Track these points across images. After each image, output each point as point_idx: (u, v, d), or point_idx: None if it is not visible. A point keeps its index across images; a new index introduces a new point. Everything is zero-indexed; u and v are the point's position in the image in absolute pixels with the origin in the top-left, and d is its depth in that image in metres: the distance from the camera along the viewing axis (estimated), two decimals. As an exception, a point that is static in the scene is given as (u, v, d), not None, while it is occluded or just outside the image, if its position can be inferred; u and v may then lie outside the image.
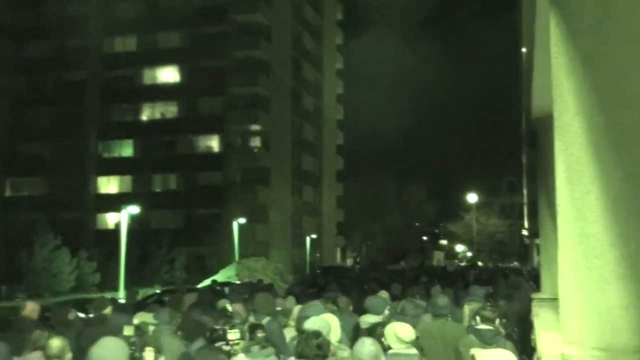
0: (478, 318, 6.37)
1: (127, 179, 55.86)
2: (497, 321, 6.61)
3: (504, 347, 5.55)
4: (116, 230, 32.76)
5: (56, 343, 5.81)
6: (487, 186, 66.80)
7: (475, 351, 5.21)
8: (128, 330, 6.33)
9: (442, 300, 7.21)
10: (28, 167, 54.93)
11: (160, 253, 40.09)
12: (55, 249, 35.55)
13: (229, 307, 8.41)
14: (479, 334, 5.93)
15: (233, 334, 5.85)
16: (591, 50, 3.70)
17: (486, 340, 5.75)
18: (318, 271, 40.06)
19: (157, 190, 54.72)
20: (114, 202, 45.84)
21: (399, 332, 5.40)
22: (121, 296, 23.98)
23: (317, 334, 4.94)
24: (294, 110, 59.98)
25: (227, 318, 7.18)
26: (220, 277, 30.78)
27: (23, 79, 55.85)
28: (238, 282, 26.77)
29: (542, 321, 5.37)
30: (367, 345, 5.06)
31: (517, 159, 59.61)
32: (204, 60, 54.05)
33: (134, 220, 30.94)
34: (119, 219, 31.74)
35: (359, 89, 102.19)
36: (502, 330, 6.54)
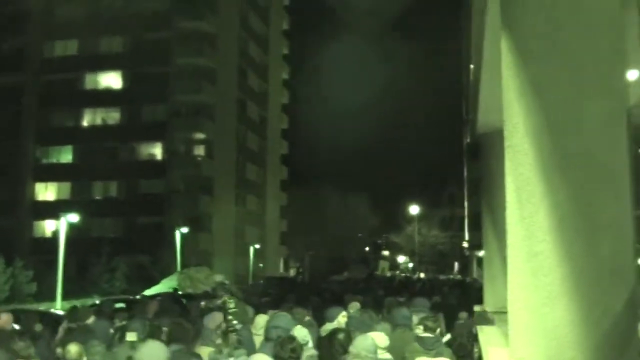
0: (422, 327, 6.85)
1: (66, 185, 54.47)
2: (438, 330, 7.11)
3: (443, 353, 6.03)
4: (54, 238, 31.87)
5: (74, 348, 6.03)
6: (428, 198, 67.85)
7: (420, 359, 5.66)
8: (131, 337, 6.66)
9: (404, 312, 7.86)
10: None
11: (100, 262, 39.15)
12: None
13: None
14: (422, 341, 6.41)
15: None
16: (540, 76, 3.84)
17: (428, 347, 6.19)
18: (261, 281, 39.80)
19: (98, 197, 53.56)
20: (52, 209, 44.61)
21: (378, 340, 5.72)
22: (58, 307, 23.34)
23: (291, 339, 5.54)
24: (238, 119, 59.68)
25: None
26: (162, 287, 30.27)
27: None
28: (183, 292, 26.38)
29: (487, 335, 5.50)
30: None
31: (458, 171, 60.82)
32: (147, 67, 53.22)
33: (73, 228, 30.14)
34: (57, 227, 30.90)
35: (304, 100, 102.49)
36: (443, 340, 7.07)
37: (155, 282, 35.55)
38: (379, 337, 5.99)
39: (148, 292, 29.53)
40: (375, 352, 5.32)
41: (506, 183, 3.95)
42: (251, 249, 54.18)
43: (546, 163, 3.71)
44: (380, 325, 7.71)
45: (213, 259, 49.62)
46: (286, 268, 72.80)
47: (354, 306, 9.05)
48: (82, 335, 7.22)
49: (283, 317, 6.86)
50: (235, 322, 7.70)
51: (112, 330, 8.46)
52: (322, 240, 70.86)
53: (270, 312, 8.17)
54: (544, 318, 3.55)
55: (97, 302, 19.98)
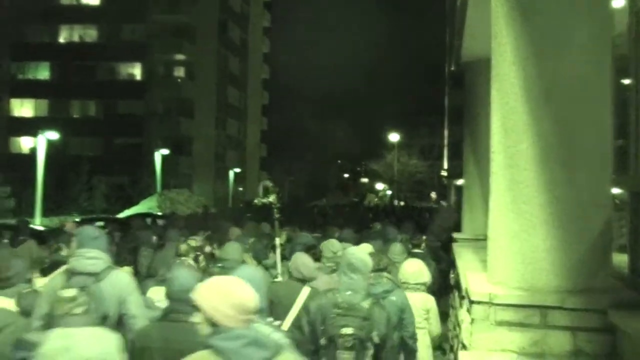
0: (410, 245, 8.70)
1: (44, 102, 53.59)
2: (423, 245, 9.20)
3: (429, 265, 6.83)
4: (31, 155, 31.51)
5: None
6: (408, 126, 67.88)
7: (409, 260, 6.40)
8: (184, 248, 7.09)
9: (393, 230, 9.88)
10: None
11: (79, 181, 38.98)
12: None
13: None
14: (412, 255, 7.70)
15: None
16: (529, 2, 3.81)
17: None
18: (241, 205, 40.04)
19: (76, 116, 52.85)
20: (29, 126, 44.06)
21: (364, 249, 6.09)
22: (37, 223, 23.36)
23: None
24: (220, 40, 58.59)
25: None
26: (141, 207, 30.42)
27: None
28: (160, 213, 26.53)
29: (465, 262, 5.64)
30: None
31: (438, 100, 60.72)
32: (126, -17, 51.66)
33: (51, 145, 29.84)
34: (35, 144, 30.56)
35: (287, 25, 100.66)
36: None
37: (134, 202, 35.67)
38: (365, 247, 6.69)
39: (127, 212, 29.71)
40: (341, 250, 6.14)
41: (491, 112, 3.98)
42: (231, 173, 54.27)
43: (532, 92, 3.73)
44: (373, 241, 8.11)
45: (193, 182, 49.68)
46: (265, 193, 73.17)
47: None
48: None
49: (304, 236, 7.94)
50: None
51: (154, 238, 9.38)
52: (301, 166, 71.13)
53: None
54: (523, 244, 3.65)
55: (77, 219, 20.05)
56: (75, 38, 54.61)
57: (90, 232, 4.41)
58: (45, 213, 28.03)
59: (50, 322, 3.45)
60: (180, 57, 54.95)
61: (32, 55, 53.38)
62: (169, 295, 3.84)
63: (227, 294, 2.62)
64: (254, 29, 68.84)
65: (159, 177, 38.83)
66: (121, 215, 28.03)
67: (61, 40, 54.88)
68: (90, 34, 54.44)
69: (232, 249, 6.54)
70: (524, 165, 3.72)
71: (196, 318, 2.64)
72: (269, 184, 71.30)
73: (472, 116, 9.41)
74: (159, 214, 26.17)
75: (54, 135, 28.38)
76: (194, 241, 7.61)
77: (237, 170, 56.52)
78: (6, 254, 5.62)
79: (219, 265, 6.41)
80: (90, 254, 4.26)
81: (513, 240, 3.73)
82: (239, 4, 64.41)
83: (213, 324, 2.58)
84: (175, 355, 3.03)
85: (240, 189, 58.91)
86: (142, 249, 7.87)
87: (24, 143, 51.84)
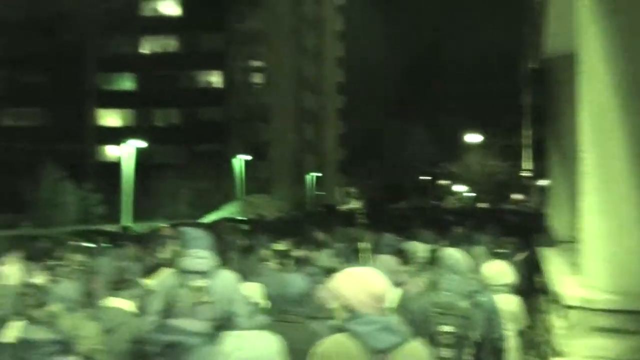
0: (493, 247, 8.38)
1: (128, 112, 55.59)
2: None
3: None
4: (117, 163, 32.66)
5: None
6: (486, 127, 66.48)
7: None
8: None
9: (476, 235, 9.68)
10: (27, 97, 54.40)
11: (163, 187, 40.20)
12: (59, 180, 35.66)
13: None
14: (497, 256, 7.21)
15: None
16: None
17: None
18: (321, 209, 40.14)
19: (159, 124, 54.50)
20: (115, 135, 45.63)
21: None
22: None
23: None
24: (294, 47, 59.19)
25: None
26: (223, 213, 31.07)
27: (21, 10, 54.79)
28: (242, 218, 27.01)
29: (554, 265, 5.47)
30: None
31: (515, 99, 59.22)
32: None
33: (137, 153, 30.90)
34: (121, 152, 31.66)
35: (362, 27, 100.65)
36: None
37: (216, 208, 36.51)
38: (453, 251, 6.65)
39: (210, 217, 30.43)
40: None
41: (578, 110, 3.86)
42: (308, 177, 54.65)
43: (622, 88, 3.60)
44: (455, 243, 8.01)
45: (271, 187, 50.31)
46: (347, 198, 73.08)
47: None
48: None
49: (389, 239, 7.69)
50: None
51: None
52: (379, 169, 70.82)
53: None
54: (616, 247, 3.52)
55: (165, 225, 20.61)
56: (157, 48, 56.35)
57: (194, 233, 4.58)
58: (134, 219, 29.02)
59: (166, 316, 3.71)
60: (257, 63, 55.83)
61: (117, 66, 55.43)
62: (282, 298, 3.93)
63: (364, 283, 2.87)
64: (327, 33, 69.15)
65: (240, 183, 39.50)
66: (204, 220, 28.69)
67: (144, 51, 56.73)
68: (171, 44, 56.06)
69: (319, 253, 6.62)
70: (616, 163, 3.59)
71: (332, 305, 2.90)
72: (351, 189, 71.54)
73: (555, 114, 9.13)
74: (242, 218, 26.65)
75: (141, 143, 29.34)
76: (280, 245, 7.71)
77: (319, 174, 56.91)
78: (116, 258, 5.88)
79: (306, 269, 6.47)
80: (199, 253, 4.41)
81: (606, 242, 3.60)
82: (313, 9, 64.88)
83: (350, 311, 2.83)
84: (300, 356, 3.15)
85: (319, 193, 59.20)
86: (229, 252, 8.03)
87: (111, 151, 53.85)
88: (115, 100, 55.50)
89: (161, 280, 4.74)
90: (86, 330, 3.71)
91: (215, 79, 55.42)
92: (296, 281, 3.96)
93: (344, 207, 39.08)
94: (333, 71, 71.06)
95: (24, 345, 2.69)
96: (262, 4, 54.13)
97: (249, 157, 43.42)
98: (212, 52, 53.52)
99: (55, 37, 54.36)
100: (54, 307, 3.63)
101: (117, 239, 12.27)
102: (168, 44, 56.21)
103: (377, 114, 72.46)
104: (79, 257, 6.62)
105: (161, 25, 55.71)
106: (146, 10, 56.65)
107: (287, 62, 57.03)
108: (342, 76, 74.64)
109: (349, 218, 16.79)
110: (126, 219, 28.00)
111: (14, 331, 3.26)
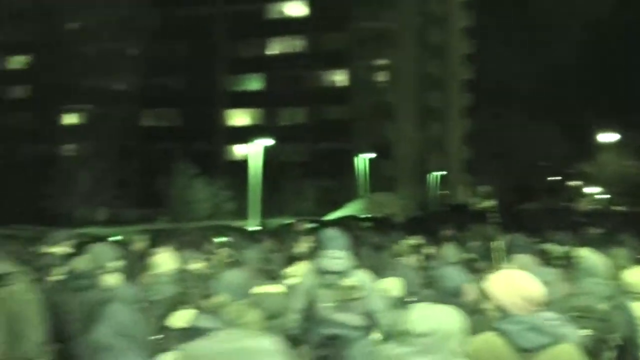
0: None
1: (256, 112, 57.39)
2: None
3: None
4: (245, 161, 33.78)
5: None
6: (620, 125, 62.86)
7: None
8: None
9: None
10: (164, 99, 57.30)
11: (289, 185, 41.20)
12: (192, 177, 37.38)
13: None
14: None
15: None
16: None
17: None
18: (447, 209, 39.61)
19: (285, 123, 55.82)
20: (243, 134, 47.28)
21: None
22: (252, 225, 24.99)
23: None
24: (419, 44, 58.71)
25: None
26: (347, 210, 31.39)
27: (158, 16, 57.65)
28: (367, 216, 27.16)
29: None
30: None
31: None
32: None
33: (264, 152, 31.83)
34: (249, 151, 32.68)
35: (490, 23, 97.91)
36: None
37: (340, 205, 36.94)
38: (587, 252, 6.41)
39: (335, 215, 30.84)
40: None
41: None
42: (433, 176, 54.09)
43: None
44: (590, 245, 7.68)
45: (395, 185, 50.20)
46: (470, 196, 71.62)
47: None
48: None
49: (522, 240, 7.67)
50: None
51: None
52: (507, 168, 68.70)
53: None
54: None
55: (290, 222, 21.13)
56: (283, 50, 57.75)
57: (332, 234, 4.74)
58: (262, 215, 29.93)
59: (310, 314, 3.88)
60: (381, 62, 55.93)
61: (245, 68, 57.35)
62: (439, 290, 4.02)
63: (517, 286, 2.96)
64: (453, 30, 68.01)
65: (364, 181, 39.73)
66: (329, 217, 29.12)
67: (270, 52, 58.31)
68: (297, 44, 57.27)
69: (448, 250, 6.61)
70: None
71: (487, 305, 3.01)
72: (480, 188, 70.09)
73: None
74: (366, 216, 26.81)
75: (269, 142, 30.17)
76: (413, 241, 7.72)
77: (444, 172, 56.24)
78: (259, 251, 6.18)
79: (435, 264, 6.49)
80: (336, 254, 4.56)
81: None
82: (438, 6, 64.04)
83: (502, 311, 2.92)
84: None
85: (443, 192, 58.40)
86: (362, 248, 8.12)
87: (240, 150, 55.77)
88: (244, 100, 57.54)
89: (302, 279, 4.93)
90: (249, 317, 3.92)
91: (339, 77, 56.06)
92: (453, 275, 4.00)
93: (477, 206, 38.28)
94: (459, 68, 69.83)
95: (194, 332, 2.89)
96: (387, 2, 54.09)
97: (373, 156, 43.53)
98: (337, 51, 54.18)
99: (189, 42, 57.05)
100: (221, 297, 3.88)
101: (254, 234, 12.74)
102: (294, 44, 57.43)
103: (507, 112, 70.22)
104: (226, 250, 6.98)
105: (287, 26, 57.00)
106: (273, 13, 58.17)
107: (412, 60, 56.73)
108: (469, 73, 73.10)
109: (481, 217, 16.51)
110: (254, 215, 28.88)
111: (183, 319, 3.49)
